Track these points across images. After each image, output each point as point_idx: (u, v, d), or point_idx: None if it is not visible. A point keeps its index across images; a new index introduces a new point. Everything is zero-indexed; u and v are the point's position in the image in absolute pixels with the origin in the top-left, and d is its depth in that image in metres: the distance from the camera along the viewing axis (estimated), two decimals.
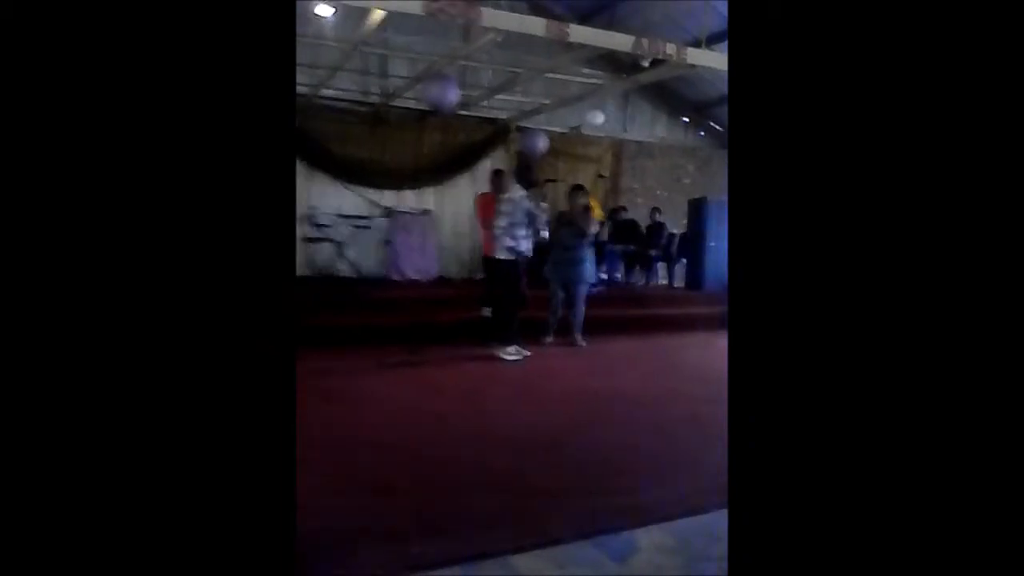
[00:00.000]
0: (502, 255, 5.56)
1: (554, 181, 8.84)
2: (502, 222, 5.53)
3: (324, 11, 6.91)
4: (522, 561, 2.11)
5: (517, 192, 5.63)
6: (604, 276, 8.81)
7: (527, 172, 5.89)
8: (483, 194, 6.80)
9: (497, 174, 6.27)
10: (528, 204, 5.58)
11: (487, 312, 5.89)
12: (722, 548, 2.29)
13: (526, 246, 5.63)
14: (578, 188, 6.50)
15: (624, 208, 9.59)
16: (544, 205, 5.88)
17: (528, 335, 5.83)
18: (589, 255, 6.31)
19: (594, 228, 6.36)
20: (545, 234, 5.81)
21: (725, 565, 2.15)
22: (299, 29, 7.52)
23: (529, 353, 5.59)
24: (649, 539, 2.32)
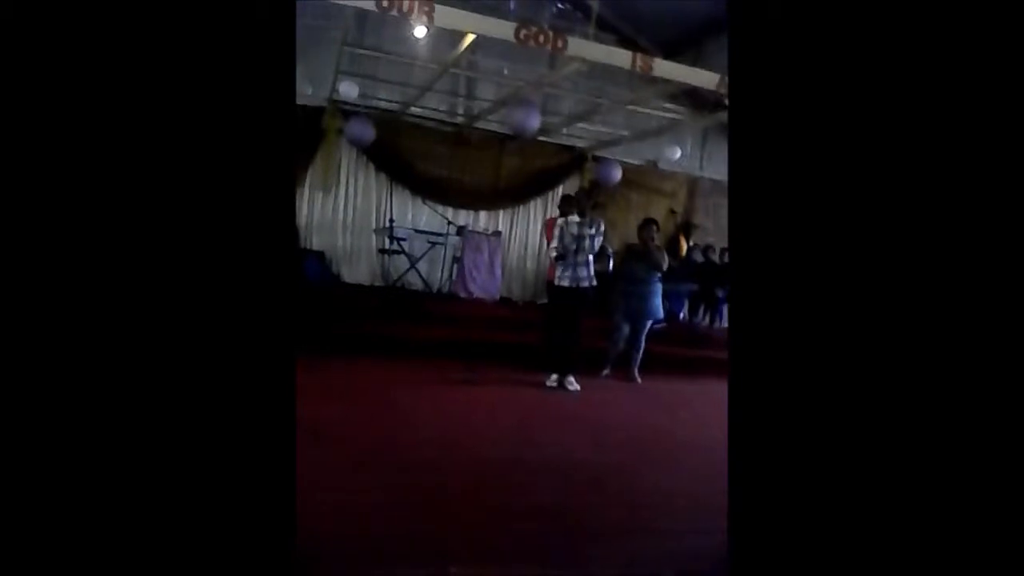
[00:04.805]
0: (562, 282, 5.49)
1: (601, 205, 8.62)
2: (552, 251, 5.56)
3: (420, 32, 7.19)
4: None
5: (572, 217, 5.53)
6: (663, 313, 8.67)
7: (583, 197, 5.83)
8: (551, 218, 6.84)
9: (565, 200, 6.27)
10: (576, 229, 5.42)
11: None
12: None
13: (585, 273, 5.45)
14: (650, 222, 6.31)
15: (697, 245, 9.52)
16: (592, 231, 5.44)
17: (586, 366, 5.81)
18: (659, 290, 6.22)
19: (666, 263, 6.25)
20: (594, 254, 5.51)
21: None
22: (395, 48, 7.86)
23: (579, 387, 5.48)
24: None
